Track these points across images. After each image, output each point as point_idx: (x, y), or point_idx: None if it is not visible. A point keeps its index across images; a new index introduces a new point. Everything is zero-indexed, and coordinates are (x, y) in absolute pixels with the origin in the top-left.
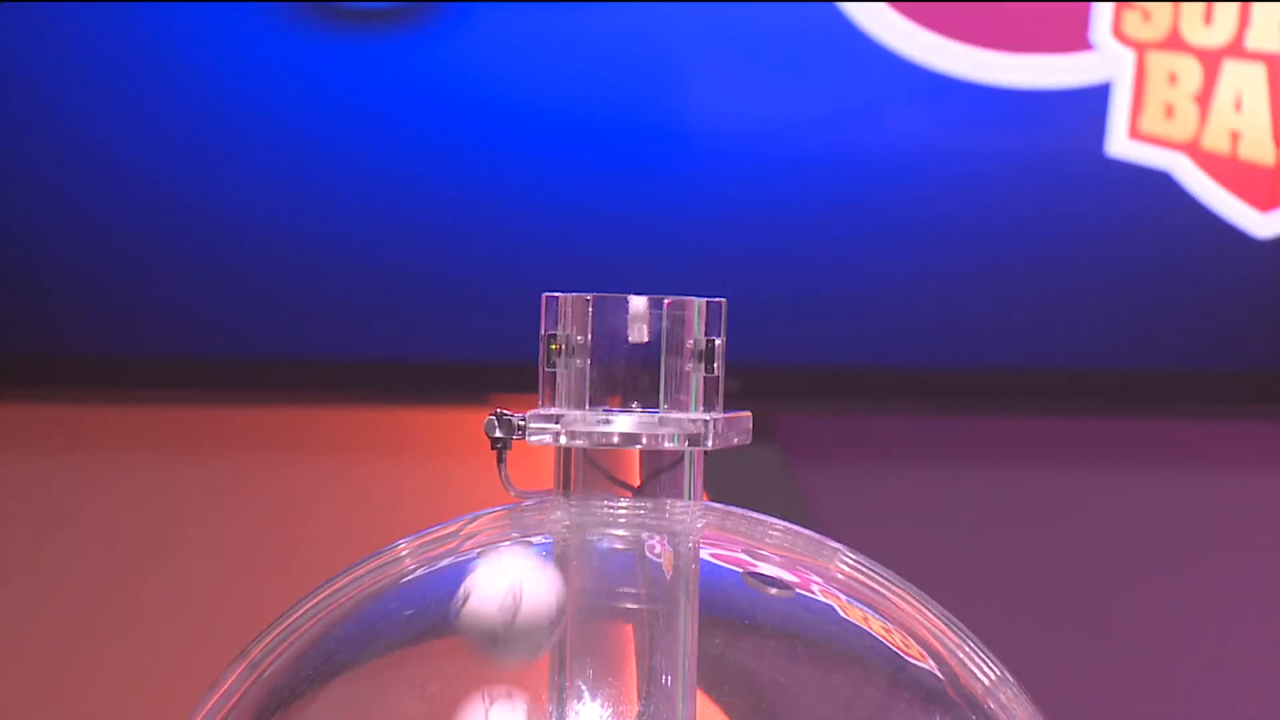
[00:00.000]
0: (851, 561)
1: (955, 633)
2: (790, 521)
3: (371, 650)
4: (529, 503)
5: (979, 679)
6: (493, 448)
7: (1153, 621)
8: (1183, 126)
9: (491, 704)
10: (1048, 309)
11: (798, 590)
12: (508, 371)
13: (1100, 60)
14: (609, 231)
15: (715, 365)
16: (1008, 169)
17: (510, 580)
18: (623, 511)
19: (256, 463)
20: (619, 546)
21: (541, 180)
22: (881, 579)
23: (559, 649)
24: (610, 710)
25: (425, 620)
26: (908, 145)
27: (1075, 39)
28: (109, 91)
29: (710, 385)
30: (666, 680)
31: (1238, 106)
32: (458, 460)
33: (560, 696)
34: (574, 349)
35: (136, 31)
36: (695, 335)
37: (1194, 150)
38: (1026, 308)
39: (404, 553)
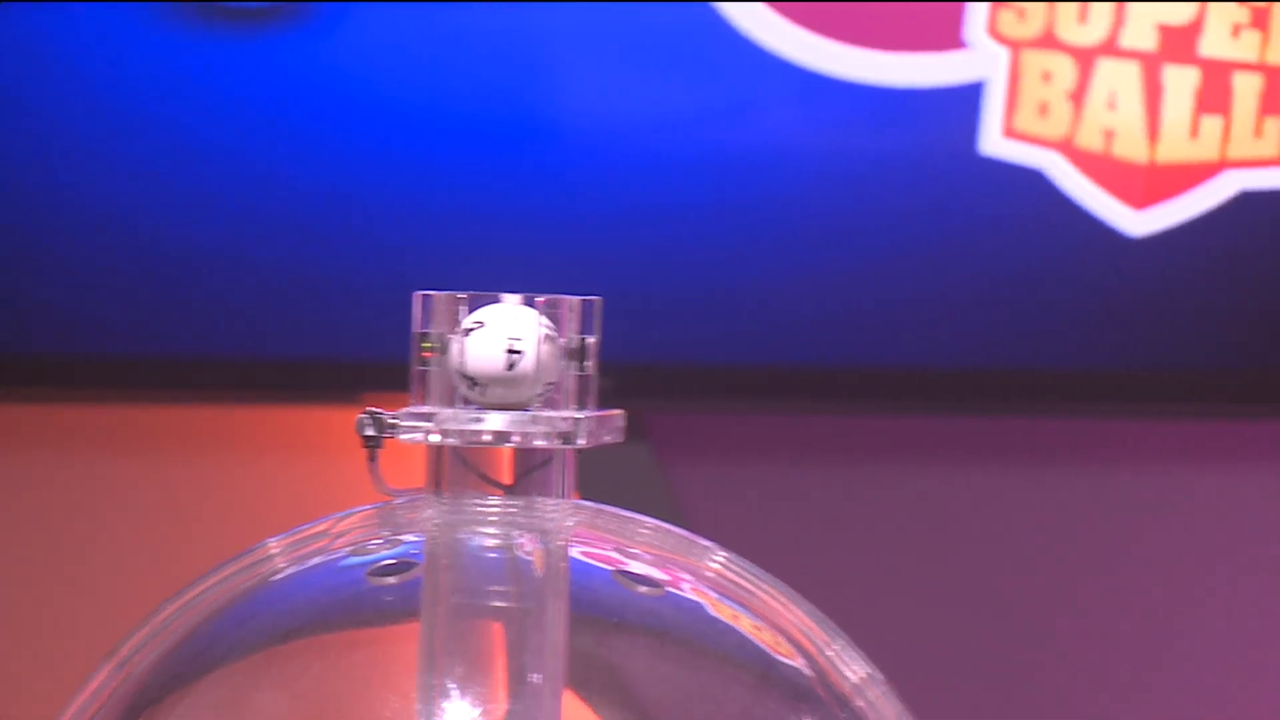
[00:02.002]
0: (722, 560)
1: (825, 631)
2: (662, 520)
3: (241, 649)
4: (400, 501)
5: (848, 677)
6: (364, 446)
7: (1023, 619)
8: (1056, 125)
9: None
10: (921, 307)
11: (668, 588)
12: (381, 370)
13: (974, 59)
14: (483, 230)
15: (588, 363)
16: (881, 167)
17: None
18: (493, 510)
19: (120, 464)
20: (489, 545)
21: (415, 178)
22: (752, 577)
23: (428, 647)
24: (478, 709)
25: (296, 619)
26: (781, 144)
27: (949, 38)
28: None
29: (583, 383)
30: (535, 679)
31: (1112, 105)
32: (329, 459)
33: (428, 695)
34: (447, 347)
35: (8, 28)
36: (569, 333)
37: (1068, 148)
38: (900, 306)
39: (274, 551)
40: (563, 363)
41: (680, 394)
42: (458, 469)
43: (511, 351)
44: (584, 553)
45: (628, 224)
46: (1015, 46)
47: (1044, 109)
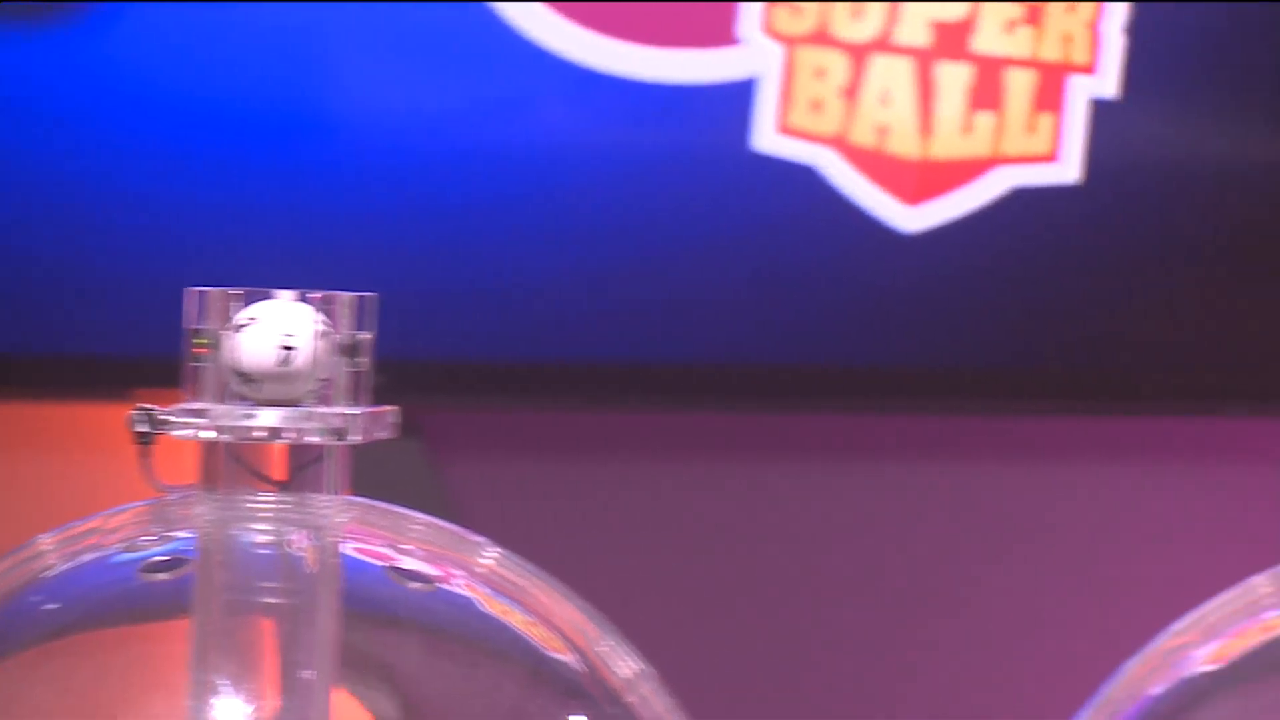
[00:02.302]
0: (495, 556)
1: (597, 627)
2: (435, 517)
3: (13, 645)
4: (172, 497)
5: (619, 673)
6: (136, 442)
7: (794, 616)
8: (829, 121)
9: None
10: (695, 304)
11: (439, 584)
12: (155, 367)
13: (747, 55)
14: (258, 226)
15: (362, 359)
16: (655, 164)
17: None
18: (265, 506)
19: None
20: (261, 541)
21: (190, 173)
22: (524, 574)
23: (199, 644)
24: (250, 706)
25: (66, 615)
26: (556, 140)
27: (722, 34)
28: None
29: (357, 379)
30: (306, 675)
31: (885, 101)
32: (102, 457)
33: (200, 692)
34: (220, 343)
35: None
36: (343, 329)
37: (841, 145)
38: (674, 303)
39: (45, 548)
40: (336, 359)
41: (455, 390)
42: (230, 465)
43: (285, 348)
44: (356, 549)
45: (404, 220)
46: (789, 43)
47: (817, 105)
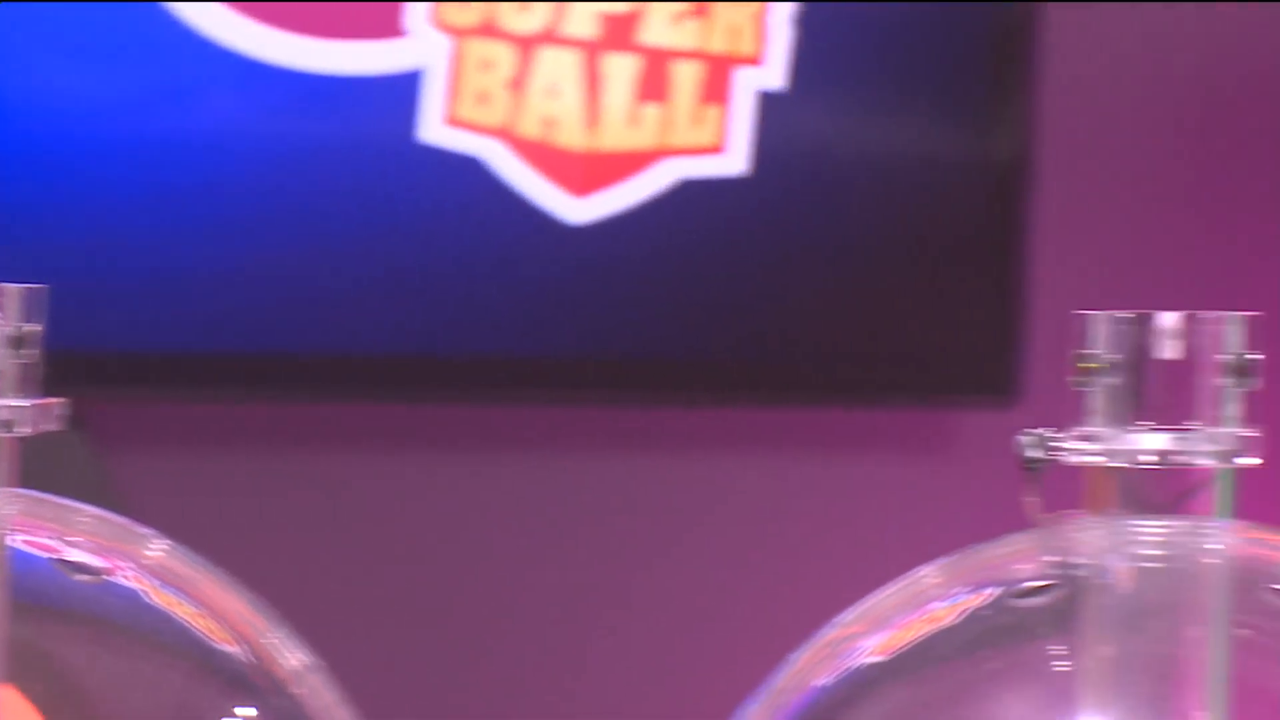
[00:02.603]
0: (163, 549)
1: (265, 620)
2: (102, 508)
3: None
4: None
5: (286, 665)
6: None
7: (470, 611)
8: (496, 112)
9: None
10: (364, 295)
11: (107, 576)
12: None
13: (414, 46)
14: None
15: (30, 351)
16: (322, 155)
17: None
18: None
19: None
20: None
21: None
22: (193, 566)
23: None
24: None
25: None
26: (222, 130)
27: (389, 25)
28: None
29: (25, 371)
30: None
31: (552, 93)
32: None
33: None
34: None
35: None
36: (11, 321)
37: (508, 136)
38: (343, 293)
39: None
40: (4, 350)
41: (122, 382)
42: None
43: None
44: (24, 541)
45: (70, 210)
46: (457, 34)
47: (484, 97)
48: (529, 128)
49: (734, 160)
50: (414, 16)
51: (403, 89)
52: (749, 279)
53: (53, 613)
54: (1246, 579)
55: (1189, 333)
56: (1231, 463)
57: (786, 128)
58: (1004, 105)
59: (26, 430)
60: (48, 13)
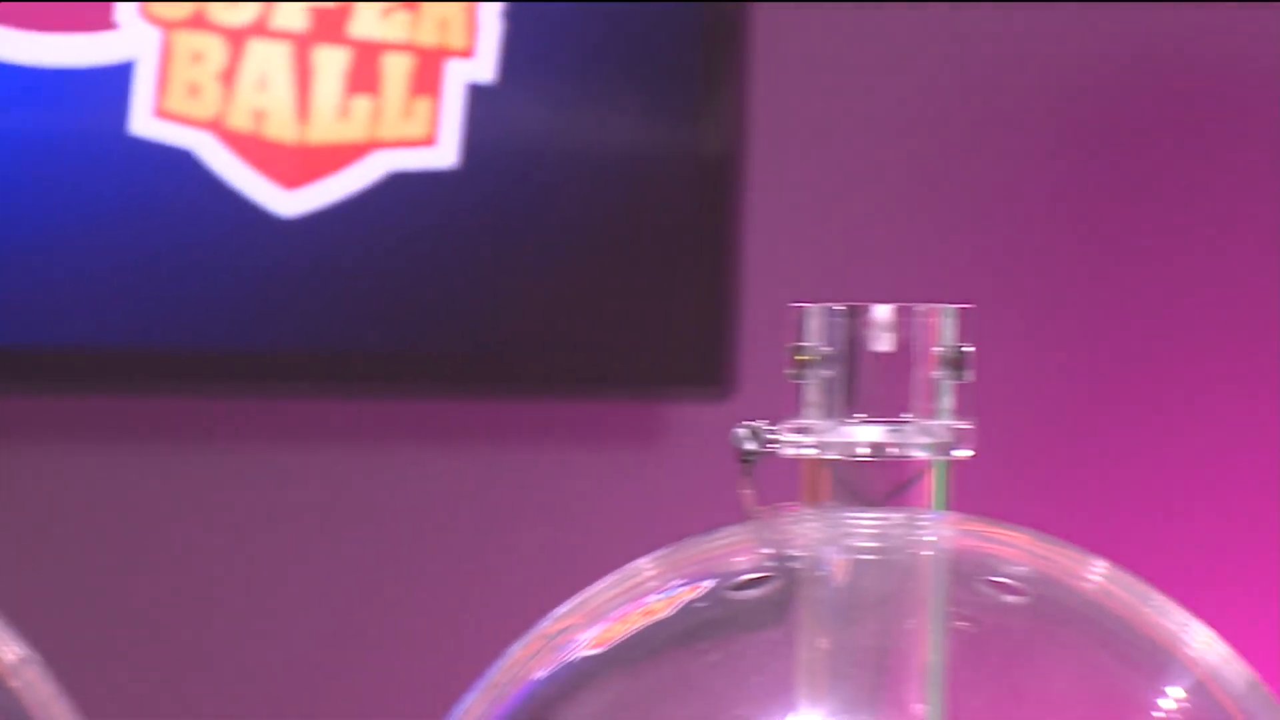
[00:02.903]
0: None
1: None
2: None
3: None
4: None
5: (3, 657)
6: None
7: (192, 609)
8: (207, 105)
9: None
10: (71, 287)
11: None
12: None
13: (123, 39)
14: None
15: None
16: (30, 147)
17: None
18: None
19: None
20: None
21: None
22: None
23: None
24: None
25: None
26: None
27: (99, 18)
28: None
29: None
30: None
31: (262, 86)
32: None
33: None
34: None
35: None
36: None
37: (218, 129)
38: (50, 285)
39: None
40: None
41: None
42: None
43: None
44: None
45: None
46: (166, 27)
47: (194, 90)
48: (239, 120)
49: (445, 153)
50: (124, 9)
51: (113, 81)
52: (460, 272)
53: None
54: (962, 571)
55: (903, 325)
56: (946, 455)
57: (497, 120)
58: (715, 98)
59: None
60: None
